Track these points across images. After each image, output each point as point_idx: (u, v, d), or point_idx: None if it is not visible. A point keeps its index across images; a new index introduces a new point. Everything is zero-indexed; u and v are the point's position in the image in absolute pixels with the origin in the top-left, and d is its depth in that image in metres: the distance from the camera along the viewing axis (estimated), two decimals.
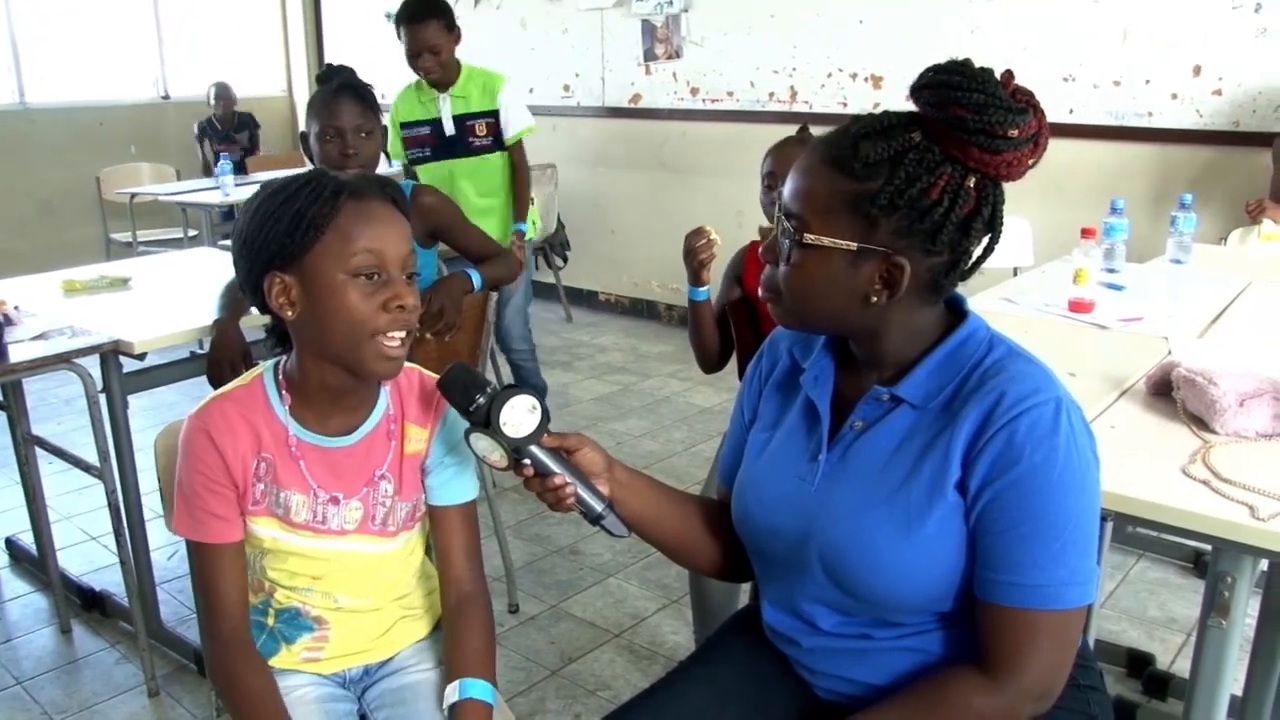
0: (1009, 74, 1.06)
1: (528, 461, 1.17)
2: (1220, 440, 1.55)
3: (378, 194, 1.26)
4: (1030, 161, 1.06)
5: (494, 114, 3.57)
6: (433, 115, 3.57)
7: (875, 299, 1.08)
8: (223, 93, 6.52)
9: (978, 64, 1.06)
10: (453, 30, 3.49)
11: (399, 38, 3.47)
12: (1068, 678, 1.10)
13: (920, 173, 1.04)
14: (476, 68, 3.60)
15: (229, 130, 6.58)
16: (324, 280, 1.22)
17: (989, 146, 1.02)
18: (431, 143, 3.60)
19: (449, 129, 3.56)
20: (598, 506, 1.21)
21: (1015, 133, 1.02)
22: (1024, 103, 1.04)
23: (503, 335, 3.77)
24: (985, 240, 1.10)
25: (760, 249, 1.17)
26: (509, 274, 2.59)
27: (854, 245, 1.06)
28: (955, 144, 1.04)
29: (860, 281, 1.08)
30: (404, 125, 3.62)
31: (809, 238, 1.08)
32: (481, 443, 1.18)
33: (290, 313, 1.25)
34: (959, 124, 1.02)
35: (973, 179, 1.05)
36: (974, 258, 1.11)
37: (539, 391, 3.80)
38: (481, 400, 1.17)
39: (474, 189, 3.61)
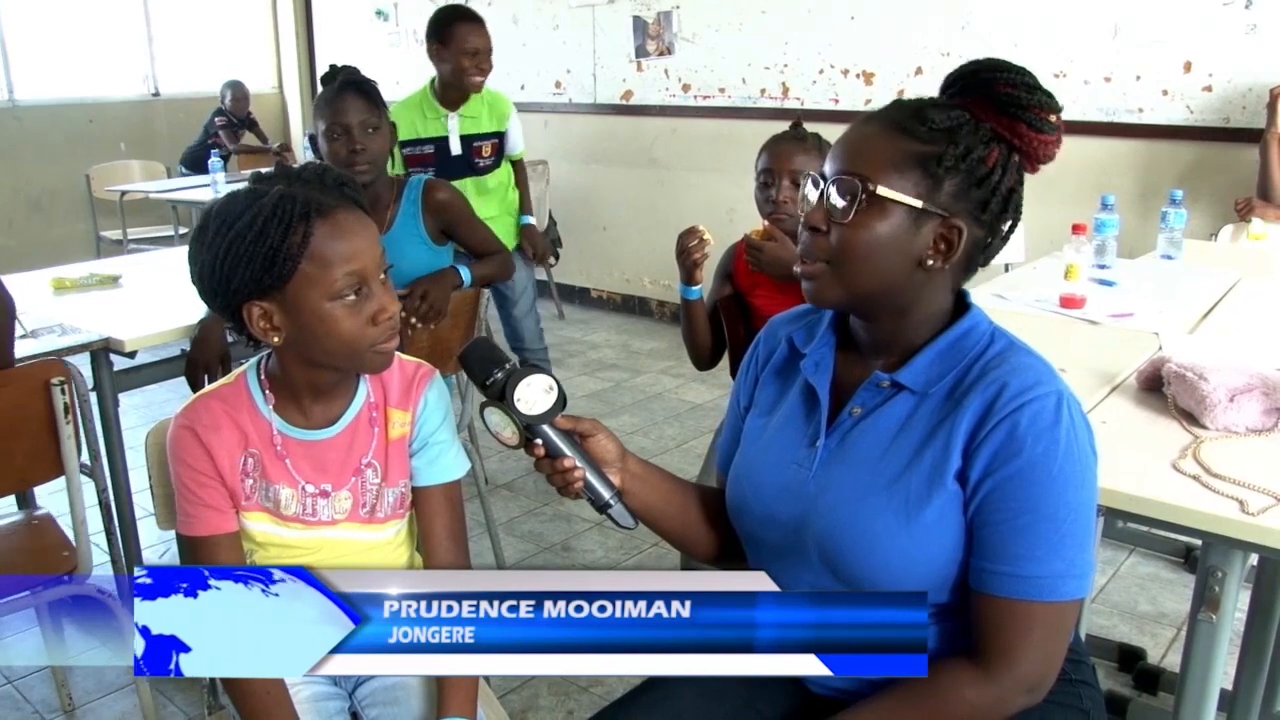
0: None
1: (539, 441, 1.18)
2: (1211, 435, 1.56)
3: (342, 202, 1.23)
4: (1055, 152, 1.11)
5: (500, 135, 3.50)
6: (439, 134, 3.43)
7: (931, 262, 1.10)
8: (240, 92, 6.56)
9: (968, 59, 1.13)
10: None
11: (439, 40, 3.30)
12: (1060, 671, 1.11)
13: (976, 143, 1.08)
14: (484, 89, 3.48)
15: (243, 124, 6.61)
16: (309, 308, 1.22)
17: (1037, 124, 1.08)
18: (433, 162, 3.44)
19: (455, 149, 3.44)
20: (605, 494, 1.20)
21: (1054, 119, 1.09)
22: None
23: (514, 338, 3.68)
24: (1006, 227, 1.14)
25: (806, 216, 1.14)
26: (502, 274, 2.60)
27: (919, 203, 1.09)
28: (1004, 121, 1.09)
29: (919, 243, 1.10)
30: (405, 144, 3.42)
31: (882, 190, 1.08)
32: (494, 417, 1.18)
33: (276, 338, 1.25)
34: (1012, 100, 1.08)
35: (1017, 156, 1.11)
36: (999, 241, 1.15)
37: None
38: (499, 375, 1.17)
39: (478, 206, 3.44)
